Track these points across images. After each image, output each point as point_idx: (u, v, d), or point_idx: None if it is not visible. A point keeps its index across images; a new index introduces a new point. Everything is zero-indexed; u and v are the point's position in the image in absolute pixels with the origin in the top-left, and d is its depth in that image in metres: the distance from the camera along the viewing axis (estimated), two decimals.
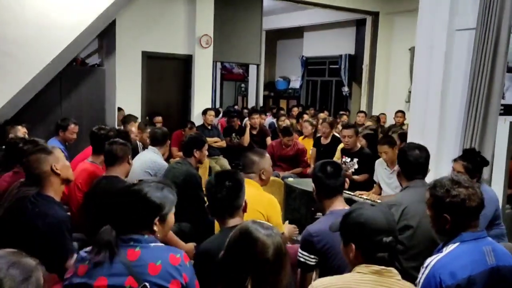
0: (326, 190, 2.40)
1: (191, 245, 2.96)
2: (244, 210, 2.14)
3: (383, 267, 1.63)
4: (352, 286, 1.58)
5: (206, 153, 3.80)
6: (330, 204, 2.38)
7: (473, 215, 1.89)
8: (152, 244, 1.74)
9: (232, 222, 2.06)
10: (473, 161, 3.10)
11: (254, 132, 6.91)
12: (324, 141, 5.89)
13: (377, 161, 4.65)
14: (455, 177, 1.94)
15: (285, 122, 7.39)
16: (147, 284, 1.65)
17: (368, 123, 7.37)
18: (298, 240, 3.66)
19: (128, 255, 1.68)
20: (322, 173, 2.39)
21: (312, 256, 2.24)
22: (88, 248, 1.75)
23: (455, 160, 3.19)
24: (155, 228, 1.76)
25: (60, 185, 2.44)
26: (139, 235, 1.73)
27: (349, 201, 3.63)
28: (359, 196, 4.23)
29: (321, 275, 2.27)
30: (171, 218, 1.83)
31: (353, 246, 1.69)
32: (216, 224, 2.72)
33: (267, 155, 3.06)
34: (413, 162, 2.62)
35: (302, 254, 2.26)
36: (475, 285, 1.77)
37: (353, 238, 1.71)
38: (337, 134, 6.24)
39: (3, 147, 3.27)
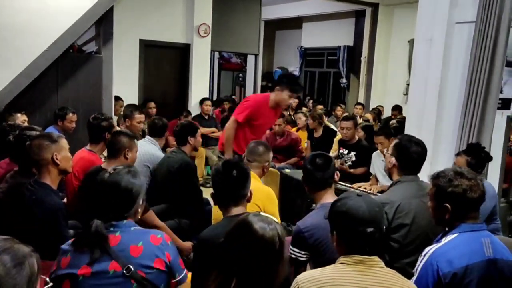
0: (315, 182, 2.40)
1: (188, 244, 2.97)
2: (249, 200, 2.15)
3: (365, 256, 1.63)
4: (335, 278, 1.58)
5: (200, 139, 3.76)
6: (321, 197, 2.38)
7: (473, 207, 1.91)
8: (132, 228, 1.79)
9: (235, 210, 2.07)
10: (477, 156, 3.08)
11: None
12: (316, 134, 5.90)
13: (374, 153, 4.66)
14: (459, 168, 1.98)
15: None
16: (130, 266, 1.67)
17: (367, 115, 7.37)
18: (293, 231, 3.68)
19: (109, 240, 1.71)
20: (311, 165, 2.40)
21: (303, 252, 2.24)
22: (70, 241, 1.77)
23: (458, 154, 3.18)
24: (139, 210, 1.86)
25: (57, 175, 2.43)
26: (118, 221, 1.77)
27: None
28: (358, 188, 4.23)
29: (314, 268, 2.27)
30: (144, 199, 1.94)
31: (335, 234, 1.71)
32: (215, 214, 2.74)
33: (271, 150, 3.13)
34: (415, 159, 2.54)
35: (293, 250, 2.26)
36: (471, 275, 1.80)
37: (336, 226, 1.73)
38: (332, 126, 6.24)
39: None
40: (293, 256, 2.26)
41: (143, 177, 1.91)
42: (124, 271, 1.66)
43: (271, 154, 3.07)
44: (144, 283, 1.68)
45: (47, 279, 1.25)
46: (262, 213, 1.56)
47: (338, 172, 2.52)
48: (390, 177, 2.77)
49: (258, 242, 1.42)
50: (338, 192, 2.50)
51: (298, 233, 2.26)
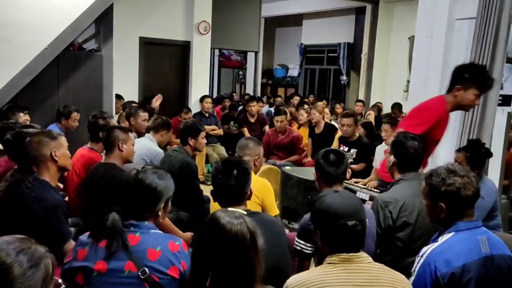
0: (325, 177, 2.40)
1: (188, 234, 2.97)
2: (249, 198, 2.14)
3: (352, 253, 1.62)
4: (324, 279, 1.57)
5: (204, 141, 3.75)
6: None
7: (468, 204, 1.90)
8: (152, 231, 1.76)
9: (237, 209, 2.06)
10: (476, 152, 3.08)
11: (252, 120, 6.90)
12: (317, 130, 5.89)
13: (378, 147, 4.68)
14: (451, 166, 1.95)
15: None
16: (146, 269, 1.65)
17: (371, 112, 7.37)
18: (295, 228, 3.69)
19: (128, 239, 1.69)
20: (324, 159, 2.41)
21: (309, 245, 2.24)
22: (88, 233, 1.76)
23: (458, 151, 3.18)
24: (159, 213, 1.82)
25: (56, 172, 2.43)
26: (139, 221, 1.75)
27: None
28: (354, 184, 4.23)
29: (319, 262, 2.28)
30: (169, 203, 1.91)
31: (318, 233, 1.71)
32: (213, 210, 2.75)
33: (262, 145, 3.14)
34: (412, 154, 2.51)
35: (299, 242, 2.27)
36: (469, 273, 1.79)
37: (318, 225, 1.72)
38: (333, 122, 6.24)
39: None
40: (298, 248, 2.27)
41: (171, 180, 1.88)
42: (139, 273, 1.64)
43: (262, 149, 3.06)
44: (156, 287, 1.67)
45: (60, 280, 1.24)
46: (230, 209, 1.54)
47: (350, 170, 2.53)
48: (392, 176, 2.76)
49: (227, 237, 1.40)
50: None
51: (305, 225, 2.26)
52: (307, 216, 2.31)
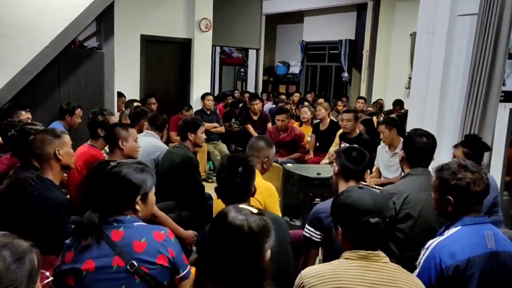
0: (343, 170, 2.44)
1: (191, 232, 2.97)
2: (252, 195, 2.15)
3: (370, 251, 1.62)
4: (340, 273, 1.58)
5: (203, 136, 3.76)
6: (344, 186, 2.40)
7: (477, 200, 1.91)
8: (136, 224, 1.78)
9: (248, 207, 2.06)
10: (473, 147, 3.09)
11: (255, 118, 6.90)
12: (322, 127, 5.89)
13: (379, 146, 4.68)
14: (463, 161, 1.98)
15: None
16: (134, 261, 1.67)
17: (370, 109, 7.36)
18: (296, 225, 3.70)
19: (112, 235, 1.71)
20: (345, 153, 2.46)
21: (318, 232, 2.27)
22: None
23: (455, 146, 3.19)
24: (137, 207, 1.82)
25: (59, 171, 2.44)
26: (122, 216, 1.77)
27: None
28: None
29: (324, 254, 2.30)
30: (152, 197, 1.90)
31: (340, 229, 1.70)
32: (216, 207, 2.74)
33: (274, 147, 3.08)
34: (418, 149, 2.58)
35: (308, 229, 2.30)
36: (473, 267, 1.80)
37: (340, 220, 1.72)
38: (335, 119, 6.24)
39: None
40: (307, 235, 2.30)
41: (148, 174, 1.88)
42: (128, 267, 1.66)
43: (273, 150, 3.01)
44: (147, 278, 1.68)
45: (47, 274, 1.25)
46: (241, 205, 1.53)
47: (369, 171, 2.55)
48: (403, 170, 2.81)
49: (226, 230, 1.41)
50: None
51: (315, 213, 2.30)
52: (319, 205, 2.35)
